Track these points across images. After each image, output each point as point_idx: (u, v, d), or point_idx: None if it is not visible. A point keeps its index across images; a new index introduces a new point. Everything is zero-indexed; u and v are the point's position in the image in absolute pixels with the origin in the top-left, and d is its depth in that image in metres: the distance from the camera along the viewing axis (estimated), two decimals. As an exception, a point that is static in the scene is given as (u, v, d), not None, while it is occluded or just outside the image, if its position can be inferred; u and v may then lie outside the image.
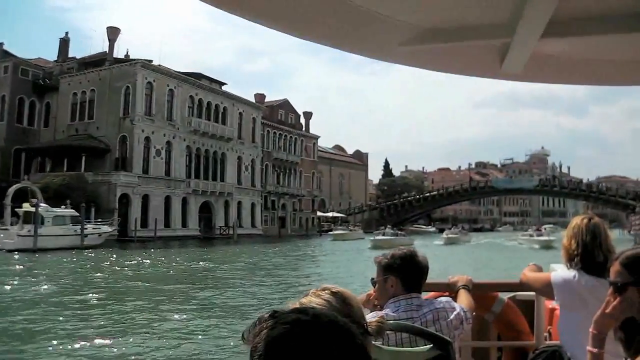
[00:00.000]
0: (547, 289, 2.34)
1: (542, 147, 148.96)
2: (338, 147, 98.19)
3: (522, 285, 2.67)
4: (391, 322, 1.80)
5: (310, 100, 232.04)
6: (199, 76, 53.00)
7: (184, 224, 48.53)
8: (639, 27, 1.45)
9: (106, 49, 49.52)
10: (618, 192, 70.29)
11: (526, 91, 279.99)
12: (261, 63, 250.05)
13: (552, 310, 2.77)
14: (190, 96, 50.68)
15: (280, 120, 66.92)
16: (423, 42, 1.55)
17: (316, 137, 74.58)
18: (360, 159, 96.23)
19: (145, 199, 44.73)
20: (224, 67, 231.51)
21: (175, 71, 49.78)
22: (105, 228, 35.15)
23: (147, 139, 45.64)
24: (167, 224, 46.67)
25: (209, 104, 52.93)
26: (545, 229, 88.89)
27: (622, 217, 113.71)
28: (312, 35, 1.58)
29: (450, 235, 51.41)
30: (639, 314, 1.38)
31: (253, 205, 58.76)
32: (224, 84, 56.98)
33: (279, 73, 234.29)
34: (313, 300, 1.20)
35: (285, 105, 69.22)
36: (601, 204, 75.28)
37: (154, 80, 46.49)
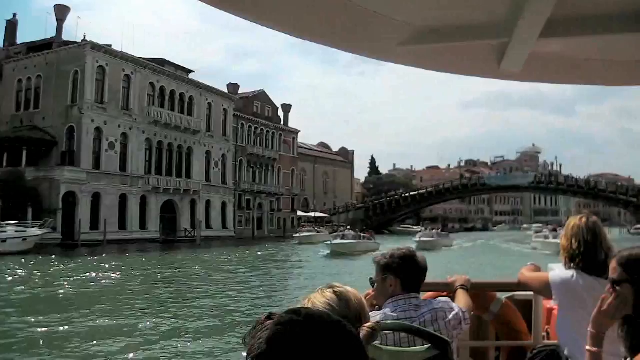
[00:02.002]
0: (545, 289, 2.36)
1: (533, 145, 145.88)
2: (323, 145, 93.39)
3: (520, 285, 2.67)
4: (389, 321, 1.83)
5: (300, 101, 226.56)
6: (161, 62, 47.77)
7: (143, 226, 43.25)
8: (637, 27, 1.45)
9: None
10: (618, 189, 65.94)
11: (515, 91, 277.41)
12: (250, 64, 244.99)
13: (550, 310, 2.81)
14: (151, 83, 45.40)
15: (256, 112, 61.72)
16: (422, 42, 1.55)
17: (296, 132, 69.47)
18: (346, 156, 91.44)
19: (96, 197, 39.45)
20: (213, 68, 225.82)
21: (135, 56, 44.43)
22: (34, 231, 29.86)
23: (98, 129, 40.32)
24: (122, 226, 41.46)
25: (172, 92, 47.64)
26: (533, 228, 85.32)
27: (614, 216, 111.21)
28: (310, 34, 1.56)
29: (424, 239, 37.92)
30: (633, 311, 1.42)
31: (224, 205, 53.56)
32: (191, 71, 51.77)
33: (268, 74, 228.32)
34: (317, 297, 1.26)
35: (262, 96, 63.99)
36: (601, 202, 71.26)
37: (106, 64, 41.19)
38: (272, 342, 0.64)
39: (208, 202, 51.00)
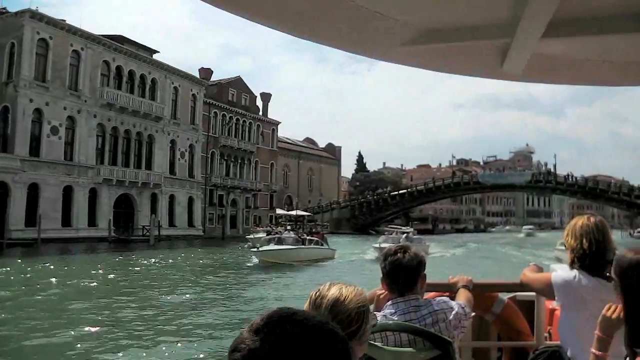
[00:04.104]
0: (547, 290, 2.32)
1: (527, 145, 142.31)
2: (309, 140, 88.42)
3: (522, 286, 2.61)
4: (391, 322, 1.83)
5: (291, 99, 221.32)
6: (120, 39, 42.40)
7: (92, 223, 37.92)
8: (638, 27, 1.46)
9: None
10: (621, 189, 61.45)
11: (506, 92, 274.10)
12: (243, 62, 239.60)
13: (552, 310, 2.77)
14: (105, 61, 40.06)
15: (232, 101, 56.53)
16: (424, 42, 1.56)
17: (276, 123, 64.21)
18: (333, 153, 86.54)
19: (34, 189, 34.14)
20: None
21: (86, 30, 38.99)
22: None
23: (39, 111, 34.97)
24: (67, 223, 36.16)
25: (131, 73, 42.31)
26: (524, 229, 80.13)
27: (608, 218, 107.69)
28: (312, 35, 1.56)
29: (384, 245, 25.64)
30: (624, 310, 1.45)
31: (191, 200, 48.28)
32: (155, 51, 46.36)
33: (261, 72, 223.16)
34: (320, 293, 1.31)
35: (238, 83, 58.69)
36: (601, 203, 66.95)
37: (50, 37, 35.83)
38: (257, 346, 0.63)
39: (172, 197, 45.74)
